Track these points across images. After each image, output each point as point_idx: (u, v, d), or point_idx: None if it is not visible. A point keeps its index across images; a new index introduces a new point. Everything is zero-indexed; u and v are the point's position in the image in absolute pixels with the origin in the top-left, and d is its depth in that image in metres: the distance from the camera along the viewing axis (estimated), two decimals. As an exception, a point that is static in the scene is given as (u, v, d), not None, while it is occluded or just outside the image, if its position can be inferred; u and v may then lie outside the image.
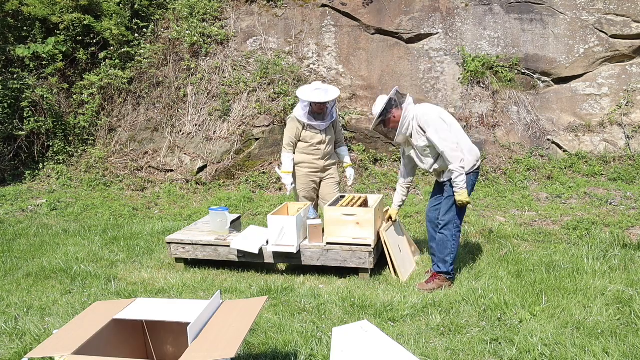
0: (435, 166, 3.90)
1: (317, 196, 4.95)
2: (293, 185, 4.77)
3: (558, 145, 7.77)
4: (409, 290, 3.94)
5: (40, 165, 8.38)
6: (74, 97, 8.70)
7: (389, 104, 3.85)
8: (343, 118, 7.95)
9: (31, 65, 8.59)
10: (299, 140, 4.71)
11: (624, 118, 7.67)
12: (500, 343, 3.11)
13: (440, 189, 4.06)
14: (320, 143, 4.69)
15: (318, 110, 4.57)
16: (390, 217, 4.45)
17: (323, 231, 4.30)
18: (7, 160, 8.50)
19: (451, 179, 3.81)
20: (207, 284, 4.22)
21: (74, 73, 8.95)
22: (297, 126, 4.65)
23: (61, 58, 8.60)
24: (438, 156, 3.84)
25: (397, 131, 3.86)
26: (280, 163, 4.92)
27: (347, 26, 8.61)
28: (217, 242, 4.48)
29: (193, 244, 4.54)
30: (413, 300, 3.73)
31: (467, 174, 3.80)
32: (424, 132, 3.78)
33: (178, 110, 8.40)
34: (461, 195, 3.77)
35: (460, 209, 3.91)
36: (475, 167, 3.93)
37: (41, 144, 8.49)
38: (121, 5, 8.74)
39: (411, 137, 3.89)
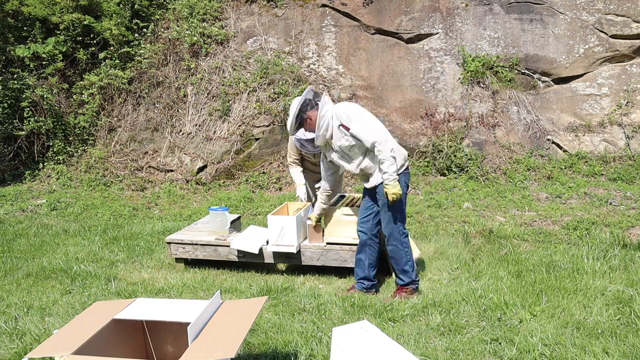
0: (362, 165, 3.62)
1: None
2: (305, 195, 4.70)
3: (558, 145, 7.77)
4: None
5: (40, 165, 8.38)
6: (74, 97, 8.70)
7: (303, 106, 3.59)
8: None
9: (31, 65, 8.59)
10: (302, 156, 4.68)
11: (624, 118, 7.67)
12: (500, 343, 3.11)
13: (371, 196, 3.75)
14: (317, 164, 4.64)
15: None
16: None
17: (323, 231, 4.30)
18: (7, 160, 8.50)
19: (381, 183, 3.56)
20: (207, 284, 4.21)
21: (74, 73, 8.95)
22: (294, 144, 4.58)
23: (61, 58, 8.60)
24: (366, 152, 3.57)
25: (315, 133, 3.59)
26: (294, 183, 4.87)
27: (347, 26, 8.61)
28: (217, 242, 4.48)
29: (193, 244, 4.54)
30: (413, 300, 3.73)
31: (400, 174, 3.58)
32: (348, 129, 3.51)
33: (178, 110, 8.40)
34: (393, 187, 3.48)
35: (400, 212, 3.65)
36: (405, 168, 3.67)
37: (41, 144, 8.49)
38: (121, 5, 8.74)
39: (332, 138, 3.62)
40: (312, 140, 4.06)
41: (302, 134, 4.24)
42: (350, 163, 3.68)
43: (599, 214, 5.73)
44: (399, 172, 3.59)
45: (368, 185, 3.73)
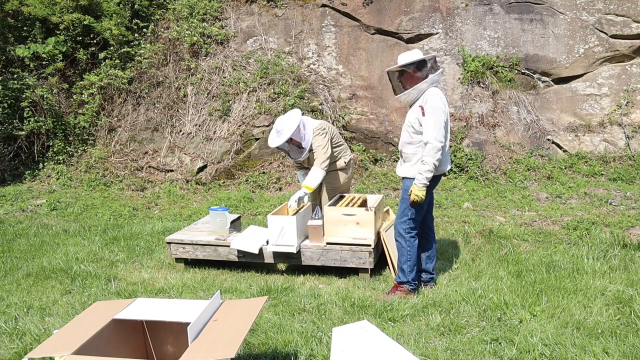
0: (408, 147, 3.70)
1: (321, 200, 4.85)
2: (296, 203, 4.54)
3: (558, 145, 7.77)
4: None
5: (40, 165, 8.38)
6: (74, 97, 8.70)
7: (421, 63, 3.59)
8: (343, 118, 7.95)
9: (31, 65, 8.59)
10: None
11: (624, 118, 7.67)
12: (500, 343, 3.11)
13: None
14: (304, 167, 4.74)
15: (289, 148, 4.50)
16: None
17: (323, 231, 4.30)
18: (7, 160, 8.50)
19: (407, 177, 3.68)
20: (207, 284, 4.22)
21: (74, 73, 8.95)
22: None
23: (61, 58, 8.60)
24: (419, 142, 3.65)
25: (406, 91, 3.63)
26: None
27: (347, 26, 8.61)
28: (217, 242, 4.48)
29: (193, 244, 4.54)
30: (413, 300, 3.73)
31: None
32: (423, 115, 3.58)
33: (178, 110, 8.41)
34: (420, 190, 3.56)
35: (413, 213, 3.70)
36: (440, 173, 3.74)
37: (41, 144, 8.49)
38: (121, 5, 8.74)
39: (410, 107, 3.71)
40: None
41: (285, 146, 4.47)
42: (404, 135, 3.76)
43: (599, 214, 5.73)
44: (433, 177, 3.64)
45: (397, 171, 3.88)
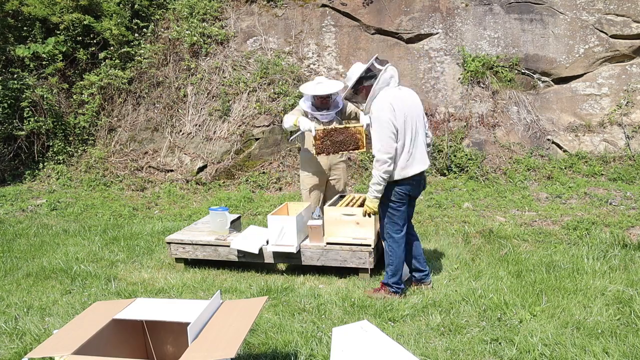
0: (370, 195, 3.71)
1: (324, 199, 4.80)
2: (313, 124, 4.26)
3: (558, 145, 7.77)
4: (409, 290, 3.94)
5: (40, 165, 8.38)
6: (74, 97, 8.70)
7: (365, 73, 3.60)
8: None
9: (31, 65, 8.59)
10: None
11: (624, 118, 7.67)
12: (500, 343, 3.11)
13: None
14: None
15: (321, 104, 4.45)
16: None
17: (323, 231, 4.30)
18: (7, 160, 8.50)
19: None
20: (207, 284, 4.22)
21: (74, 73, 8.95)
22: (300, 114, 4.47)
23: (61, 58, 8.60)
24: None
25: (366, 102, 3.67)
26: (288, 128, 4.50)
27: (347, 26, 8.61)
28: (217, 242, 4.48)
29: (193, 244, 4.54)
30: (413, 300, 3.73)
31: (394, 182, 3.61)
32: (369, 125, 3.65)
33: (178, 110, 8.41)
34: (370, 202, 3.67)
35: (391, 216, 3.70)
36: (407, 177, 3.63)
37: (41, 144, 8.49)
38: (121, 5, 8.73)
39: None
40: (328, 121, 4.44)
41: (320, 115, 4.45)
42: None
43: (599, 214, 5.72)
44: (399, 179, 3.60)
45: None
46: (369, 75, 3.61)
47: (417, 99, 3.78)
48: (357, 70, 3.68)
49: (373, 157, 3.57)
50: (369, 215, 3.84)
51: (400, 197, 3.67)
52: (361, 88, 3.67)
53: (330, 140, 4.23)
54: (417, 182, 3.73)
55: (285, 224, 4.20)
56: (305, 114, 4.50)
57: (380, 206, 3.76)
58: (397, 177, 3.60)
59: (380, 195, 3.64)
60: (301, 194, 4.86)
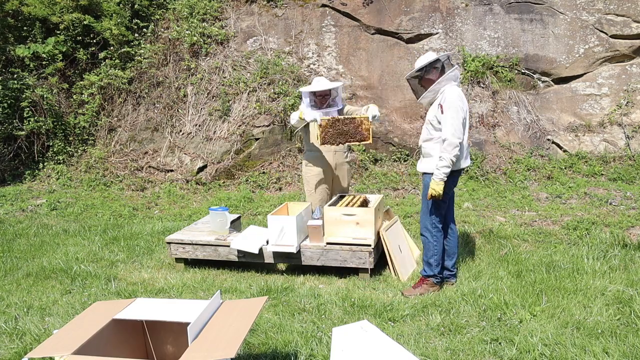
0: (428, 144, 3.79)
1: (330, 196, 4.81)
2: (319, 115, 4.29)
3: (558, 145, 7.77)
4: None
5: (40, 165, 8.38)
6: (74, 97, 8.70)
7: (435, 62, 3.73)
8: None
9: (31, 65, 8.59)
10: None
11: (624, 118, 7.67)
12: (500, 343, 3.11)
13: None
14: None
15: (320, 102, 4.48)
16: None
17: (323, 231, 4.30)
18: (7, 160, 8.50)
19: (426, 172, 3.78)
20: (207, 284, 4.22)
21: (74, 73, 8.95)
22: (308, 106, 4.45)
23: (61, 58, 8.60)
24: (438, 138, 3.73)
25: (425, 93, 3.76)
26: (295, 121, 4.48)
27: (347, 26, 8.61)
28: (217, 242, 4.48)
29: (193, 244, 4.54)
30: (413, 300, 3.73)
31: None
32: (441, 112, 3.67)
33: (178, 110, 8.41)
34: (437, 185, 3.64)
35: (436, 207, 3.81)
36: (459, 169, 3.81)
37: (41, 144, 8.49)
38: (121, 5, 8.73)
39: (430, 105, 3.83)
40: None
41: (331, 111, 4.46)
42: (424, 132, 3.85)
43: (599, 214, 5.72)
44: (453, 172, 3.72)
45: (418, 167, 3.94)
46: (438, 66, 3.74)
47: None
48: (430, 56, 3.79)
49: (443, 140, 3.62)
50: (435, 198, 3.75)
51: (449, 189, 3.80)
52: (426, 76, 3.75)
53: (335, 129, 4.22)
54: (459, 176, 3.93)
55: (285, 224, 4.20)
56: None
57: (424, 198, 3.83)
58: (453, 167, 3.71)
59: (446, 178, 3.68)
60: (305, 194, 4.85)
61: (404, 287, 4.02)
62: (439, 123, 3.69)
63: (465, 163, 3.85)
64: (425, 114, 3.91)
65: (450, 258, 4.06)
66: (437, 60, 3.73)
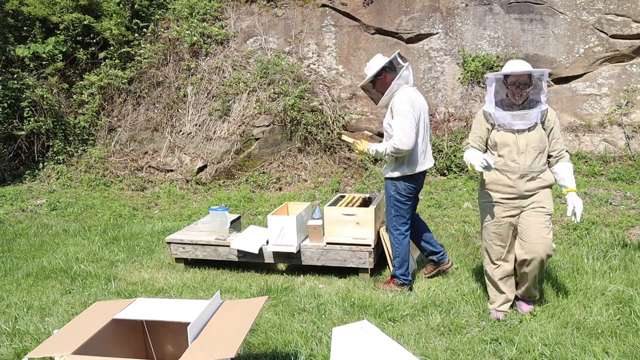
0: (375, 147, 3.82)
1: (514, 237, 3.40)
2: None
3: (558, 145, 7.76)
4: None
5: (40, 165, 8.38)
6: (74, 97, 8.70)
7: (388, 64, 3.74)
8: (343, 118, 7.95)
9: (31, 65, 8.59)
10: (488, 147, 3.43)
11: (624, 118, 7.67)
12: (500, 343, 3.11)
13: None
14: (520, 152, 3.24)
15: (515, 93, 3.20)
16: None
17: (323, 231, 4.30)
18: (7, 160, 8.49)
19: (386, 177, 3.84)
20: (207, 284, 4.22)
21: (74, 73, 8.95)
22: (480, 122, 3.38)
23: (61, 58, 8.60)
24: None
25: (382, 97, 3.79)
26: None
27: (347, 26, 8.60)
28: (217, 242, 4.48)
29: (193, 244, 4.54)
30: (413, 300, 3.73)
31: (406, 177, 3.76)
32: (392, 118, 3.70)
33: (178, 110, 8.40)
34: (362, 148, 3.84)
35: (398, 210, 3.81)
36: (418, 172, 3.79)
37: (41, 144, 8.49)
38: (121, 5, 8.73)
39: (386, 108, 3.84)
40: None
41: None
42: (384, 139, 3.90)
43: (599, 214, 5.72)
44: (403, 176, 3.77)
45: (383, 171, 3.98)
46: (391, 68, 3.75)
47: (425, 101, 3.94)
48: (379, 60, 3.79)
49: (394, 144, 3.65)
50: (355, 148, 3.94)
51: (409, 192, 3.82)
52: (380, 80, 3.78)
53: None
54: (423, 178, 3.94)
55: (285, 224, 4.20)
56: (490, 121, 3.37)
57: (388, 200, 3.86)
58: (409, 172, 3.76)
59: (376, 157, 3.76)
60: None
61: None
62: (391, 129, 3.73)
63: (425, 165, 3.82)
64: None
65: (429, 243, 4.11)
66: (389, 62, 3.73)
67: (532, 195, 3.35)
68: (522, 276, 3.39)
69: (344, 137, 4.06)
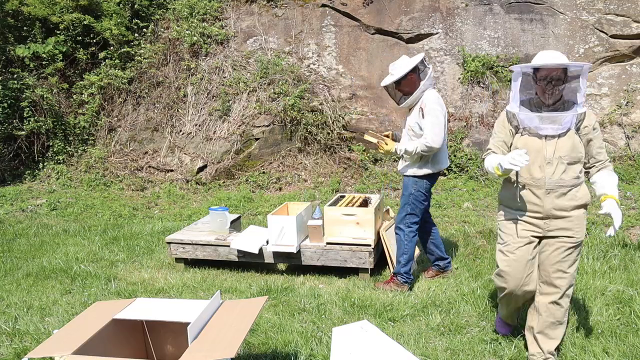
0: (404, 147, 3.83)
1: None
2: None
3: (558, 145, 7.76)
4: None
5: (40, 165, 8.38)
6: (74, 97, 8.70)
7: (417, 66, 3.77)
8: (343, 118, 7.95)
9: (31, 65, 8.59)
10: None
11: (624, 118, 7.67)
12: (500, 343, 3.11)
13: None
14: (546, 162, 2.71)
15: (545, 91, 2.65)
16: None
17: (323, 231, 4.30)
18: (7, 160, 8.49)
19: (406, 175, 3.88)
20: (207, 284, 4.22)
21: (74, 73, 8.95)
22: (504, 124, 2.87)
23: (61, 58, 8.60)
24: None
25: (408, 98, 3.80)
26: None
27: (347, 26, 8.60)
28: (217, 242, 4.48)
29: (193, 244, 4.54)
30: (413, 300, 3.73)
31: (428, 176, 3.84)
32: (422, 117, 3.74)
33: (178, 110, 8.40)
34: (390, 148, 3.82)
35: (414, 208, 3.87)
36: (429, 174, 3.86)
37: (41, 144, 8.49)
38: (121, 5, 8.73)
39: (410, 110, 3.89)
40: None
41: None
42: (405, 137, 3.93)
43: (599, 214, 5.72)
44: (422, 176, 3.84)
45: (398, 167, 4.03)
46: (419, 69, 3.78)
47: None
48: (408, 62, 3.80)
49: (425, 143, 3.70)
50: (381, 148, 3.90)
51: (427, 190, 3.90)
52: (406, 81, 3.78)
53: None
54: (438, 178, 4.04)
55: (285, 224, 4.20)
56: (514, 122, 2.84)
57: (407, 198, 3.89)
58: (433, 170, 3.84)
59: (407, 157, 3.82)
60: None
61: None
62: (420, 129, 3.76)
63: (445, 164, 3.95)
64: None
65: (439, 248, 4.17)
66: (420, 63, 3.78)
67: (561, 218, 2.77)
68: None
69: (367, 137, 4.05)
